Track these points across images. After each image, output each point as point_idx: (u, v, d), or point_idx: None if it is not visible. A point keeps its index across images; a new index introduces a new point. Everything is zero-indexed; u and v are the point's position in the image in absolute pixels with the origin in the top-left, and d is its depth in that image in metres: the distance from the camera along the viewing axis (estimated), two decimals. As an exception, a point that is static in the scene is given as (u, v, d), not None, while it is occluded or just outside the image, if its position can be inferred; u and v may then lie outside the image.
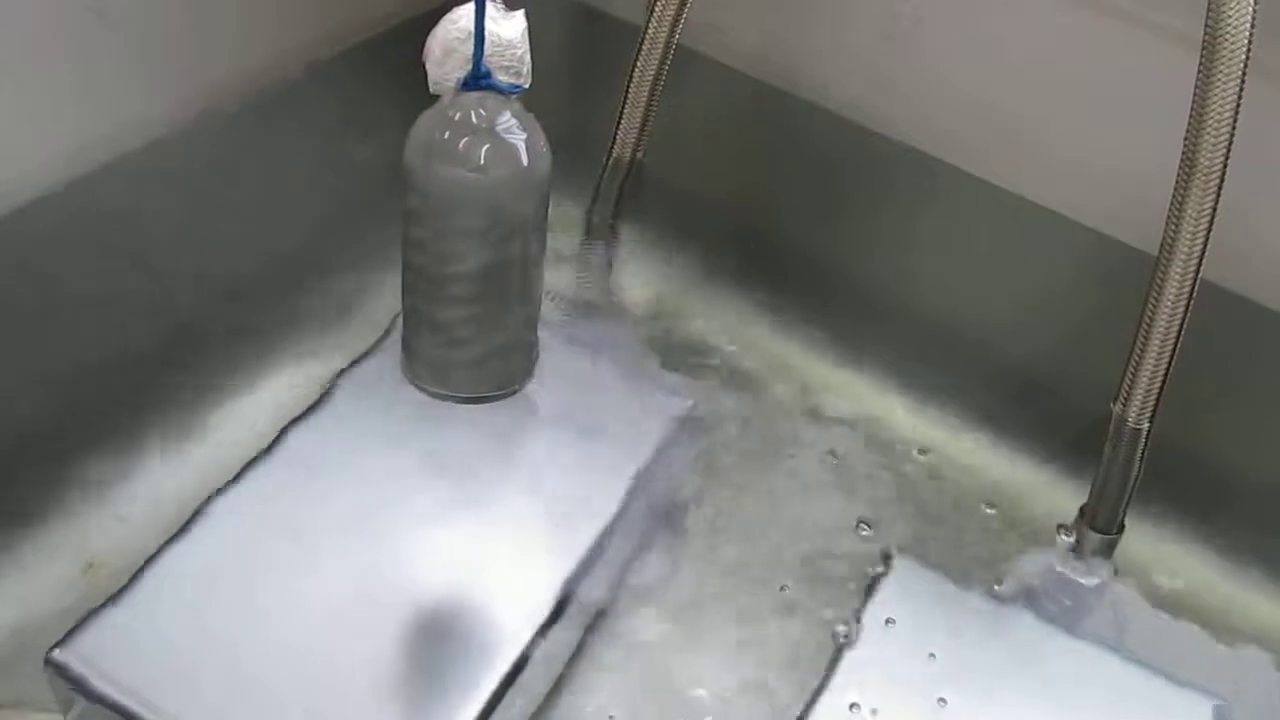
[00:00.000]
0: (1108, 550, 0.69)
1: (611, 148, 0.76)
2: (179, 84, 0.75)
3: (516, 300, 0.62)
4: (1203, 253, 0.61)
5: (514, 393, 0.66)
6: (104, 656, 0.54)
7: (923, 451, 0.75)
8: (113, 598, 0.56)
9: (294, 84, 0.82)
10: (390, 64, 0.82)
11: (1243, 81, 0.57)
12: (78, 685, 0.53)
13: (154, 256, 0.74)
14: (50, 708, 0.57)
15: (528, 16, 0.56)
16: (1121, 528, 0.69)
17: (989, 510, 0.73)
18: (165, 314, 0.74)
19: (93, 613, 0.55)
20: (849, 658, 0.63)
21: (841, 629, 0.65)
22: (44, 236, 0.71)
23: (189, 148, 0.76)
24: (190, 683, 0.54)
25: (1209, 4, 0.57)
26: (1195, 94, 0.58)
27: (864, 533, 0.70)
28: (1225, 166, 0.59)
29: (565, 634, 0.62)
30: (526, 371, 0.66)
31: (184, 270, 0.75)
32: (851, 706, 0.61)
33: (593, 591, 0.63)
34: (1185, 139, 0.59)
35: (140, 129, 0.74)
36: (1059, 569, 0.69)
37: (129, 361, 0.72)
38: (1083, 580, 0.69)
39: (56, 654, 0.54)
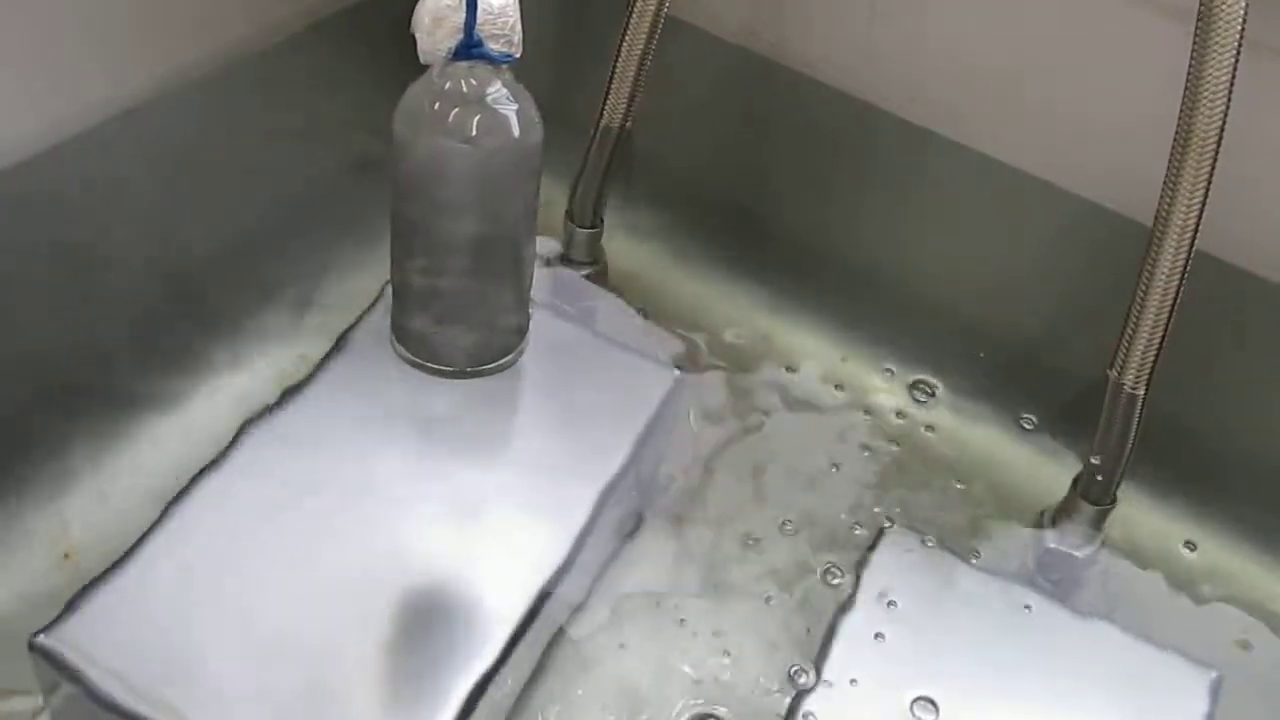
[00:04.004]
0: (1100, 521, 0.70)
1: (599, 118, 0.75)
2: (148, 58, 0.74)
3: (508, 273, 0.62)
4: (1198, 224, 0.61)
5: (504, 367, 0.65)
6: (89, 642, 0.53)
7: (914, 423, 0.75)
8: (98, 581, 0.55)
9: (268, 56, 0.81)
10: (366, 35, 0.81)
11: (1238, 55, 0.57)
12: (63, 671, 0.52)
13: (128, 232, 0.73)
14: (30, 691, 0.56)
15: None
16: (1114, 499, 0.69)
17: (981, 482, 0.73)
18: (142, 290, 0.73)
19: (78, 597, 0.55)
20: (840, 632, 0.63)
21: (832, 603, 0.65)
22: (12, 210, 0.70)
23: (160, 121, 0.75)
24: (176, 667, 0.53)
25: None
26: (1190, 67, 0.58)
27: (855, 506, 0.70)
28: (1220, 139, 0.59)
29: (555, 612, 0.61)
30: (517, 345, 0.66)
31: (160, 246, 0.74)
32: (842, 680, 0.61)
33: (583, 570, 0.63)
34: (1180, 112, 0.59)
35: (106, 104, 0.72)
36: (1051, 541, 0.70)
37: (106, 339, 0.71)
38: (1075, 552, 0.69)
39: (41, 639, 0.53)
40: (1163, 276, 0.62)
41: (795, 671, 0.62)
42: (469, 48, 0.55)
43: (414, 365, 0.65)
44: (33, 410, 0.67)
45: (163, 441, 0.68)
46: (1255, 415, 0.72)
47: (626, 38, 0.73)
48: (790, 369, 0.77)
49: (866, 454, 0.73)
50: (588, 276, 0.80)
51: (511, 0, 0.56)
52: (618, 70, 0.74)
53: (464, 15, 0.55)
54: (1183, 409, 0.69)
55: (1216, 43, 0.57)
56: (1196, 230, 0.61)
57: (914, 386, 0.77)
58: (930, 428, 0.75)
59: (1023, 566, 0.68)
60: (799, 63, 0.79)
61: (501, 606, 0.57)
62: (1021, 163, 0.74)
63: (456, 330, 0.63)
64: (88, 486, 0.66)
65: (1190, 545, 0.71)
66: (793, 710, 0.60)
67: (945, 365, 0.78)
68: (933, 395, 0.77)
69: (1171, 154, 0.60)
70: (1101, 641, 0.64)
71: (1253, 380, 0.71)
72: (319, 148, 0.81)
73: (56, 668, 0.53)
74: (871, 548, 0.67)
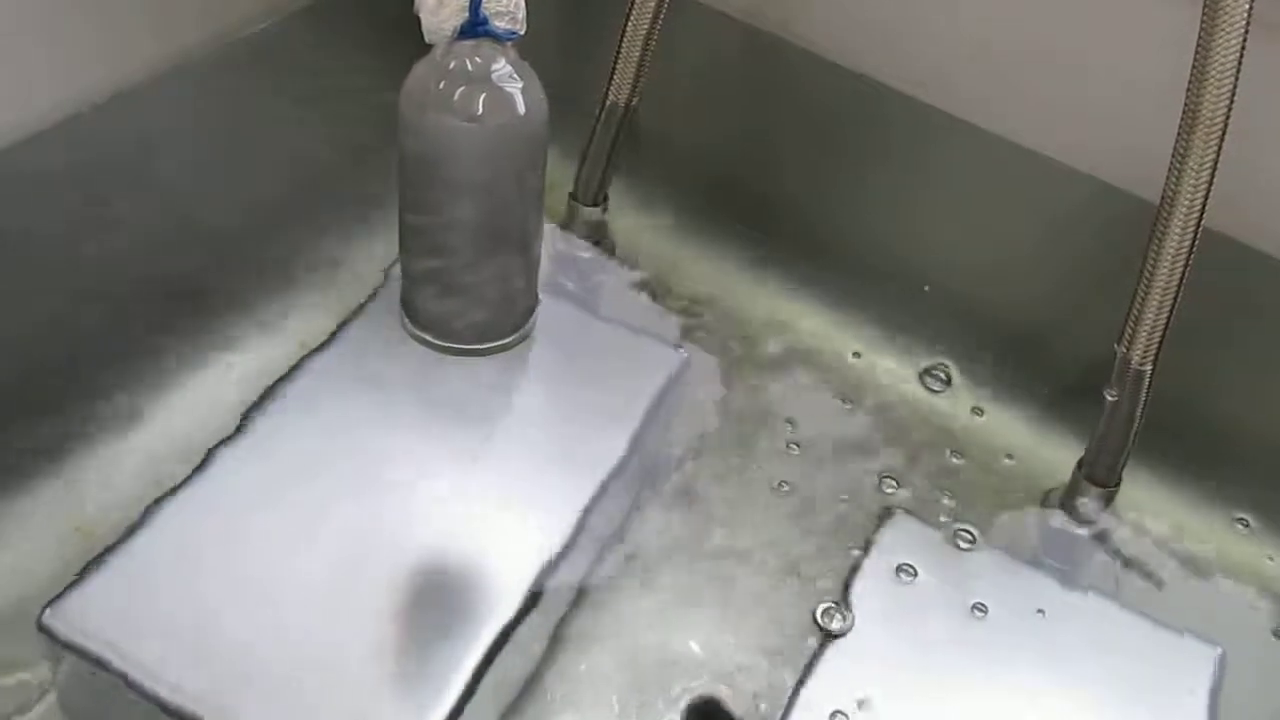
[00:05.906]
0: (1105, 501, 0.70)
1: (605, 95, 0.75)
2: (149, 37, 0.74)
3: (515, 250, 0.62)
4: (1204, 202, 0.61)
5: (514, 344, 0.65)
6: (95, 618, 0.54)
7: (920, 402, 0.75)
8: (103, 558, 0.56)
9: (271, 35, 0.81)
10: (368, 14, 0.81)
11: (1246, 32, 0.57)
12: (68, 646, 0.53)
13: (143, 209, 0.73)
14: (39, 668, 0.57)
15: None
16: (1120, 480, 0.69)
17: (987, 463, 0.73)
18: (148, 270, 0.73)
19: (84, 574, 0.55)
20: (845, 613, 0.63)
21: (838, 584, 0.65)
22: (14, 190, 0.70)
23: (162, 101, 0.75)
24: (180, 644, 0.54)
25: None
26: (1198, 46, 0.58)
27: (861, 487, 0.70)
28: (1228, 116, 0.59)
29: (562, 590, 0.62)
30: (526, 322, 0.66)
31: (162, 226, 0.74)
32: (847, 660, 0.61)
33: (588, 548, 0.63)
34: (1188, 91, 0.59)
35: (106, 83, 0.72)
36: (1056, 521, 0.70)
37: (117, 318, 0.71)
38: (1080, 531, 0.69)
39: (47, 615, 0.54)
40: (1170, 252, 0.62)
41: (800, 651, 0.62)
42: (474, 25, 0.56)
43: (423, 342, 0.65)
44: (41, 384, 0.67)
45: (172, 419, 0.68)
46: (1262, 393, 0.72)
47: (632, 14, 0.73)
48: (796, 348, 0.77)
49: (871, 434, 0.73)
50: (593, 256, 0.80)
51: (516, -22, 0.56)
52: (623, 47, 0.74)
53: (468, -7, 0.55)
54: (1188, 387, 0.69)
55: (1224, 20, 0.57)
56: (1204, 209, 0.61)
57: (920, 366, 0.77)
58: (934, 408, 0.75)
59: (1028, 546, 0.68)
60: (805, 40, 0.79)
61: (507, 584, 0.58)
62: (1029, 141, 0.74)
63: (465, 307, 0.63)
64: (98, 462, 0.66)
65: (1196, 524, 0.71)
66: (797, 690, 0.60)
67: (952, 343, 0.78)
68: (939, 374, 0.77)
69: (1179, 131, 0.60)
70: (1106, 620, 0.64)
71: (1260, 357, 0.71)
72: (322, 127, 0.81)
73: (61, 643, 0.53)
74: (878, 529, 0.67)
